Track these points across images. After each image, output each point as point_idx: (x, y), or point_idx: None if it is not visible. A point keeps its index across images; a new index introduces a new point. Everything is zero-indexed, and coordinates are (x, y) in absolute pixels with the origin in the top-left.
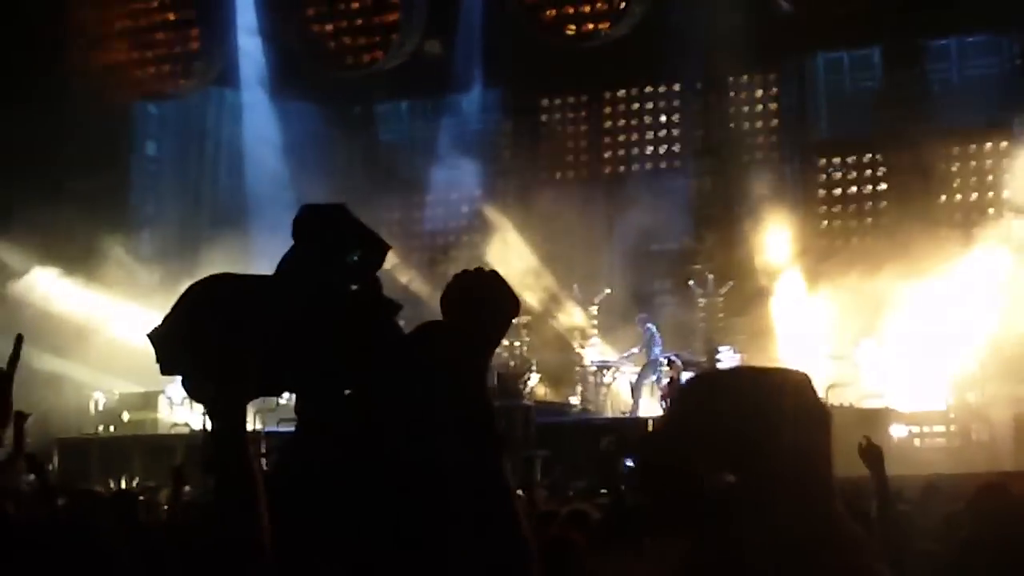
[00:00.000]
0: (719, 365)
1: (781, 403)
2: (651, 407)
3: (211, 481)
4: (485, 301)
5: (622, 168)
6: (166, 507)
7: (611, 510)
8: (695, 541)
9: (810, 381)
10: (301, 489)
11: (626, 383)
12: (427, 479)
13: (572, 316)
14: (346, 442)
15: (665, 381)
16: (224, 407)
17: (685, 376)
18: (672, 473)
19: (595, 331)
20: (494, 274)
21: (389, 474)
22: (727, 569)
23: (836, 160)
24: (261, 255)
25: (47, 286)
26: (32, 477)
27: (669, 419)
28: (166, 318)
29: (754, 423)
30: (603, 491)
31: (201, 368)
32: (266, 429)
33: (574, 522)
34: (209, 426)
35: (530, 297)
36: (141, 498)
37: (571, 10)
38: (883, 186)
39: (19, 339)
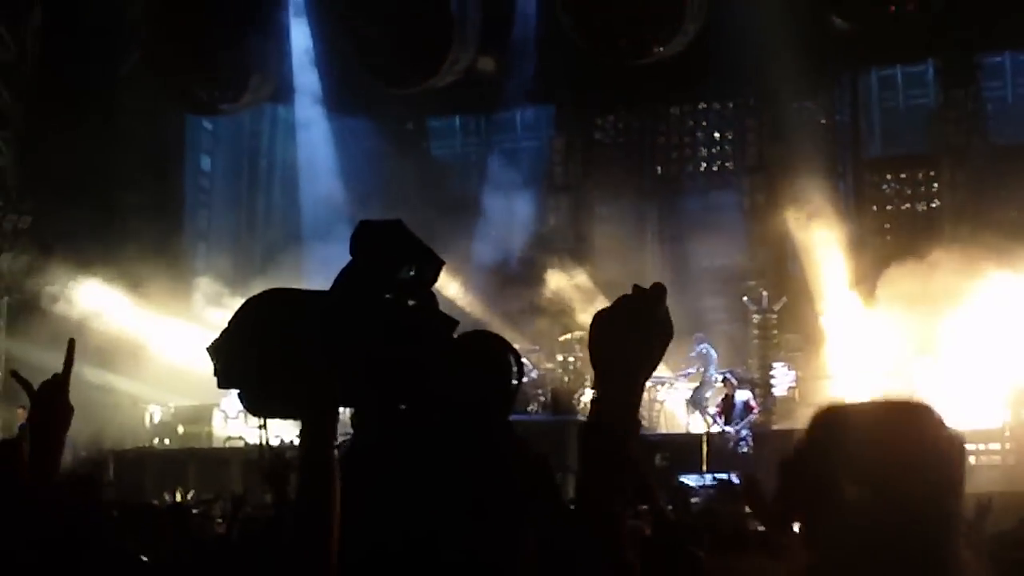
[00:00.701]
0: (772, 382)
1: (914, 435)
2: (705, 425)
3: (269, 496)
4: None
5: (675, 185)
6: (220, 521)
7: (655, 526)
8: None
9: (940, 418)
10: (359, 502)
11: (680, 400)
12: (491, 491)
13: None
14: (403, 455)
15: (719, 399)
16: (314, 421)
17: (739, 394)
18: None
19: None
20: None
21: (448, 486)
22: None
23: (889, 177)
24: (315, 270)
25: (100, 300)
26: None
27: (804, 445)
28: (223, 331)
29: (885, 452)
30: (643, 507)
31: (258, 382)
32: None
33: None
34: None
35: (583, 313)
36: (195, 511)
37: (625, 28)
38: (936, 203)
39: (71, 343)
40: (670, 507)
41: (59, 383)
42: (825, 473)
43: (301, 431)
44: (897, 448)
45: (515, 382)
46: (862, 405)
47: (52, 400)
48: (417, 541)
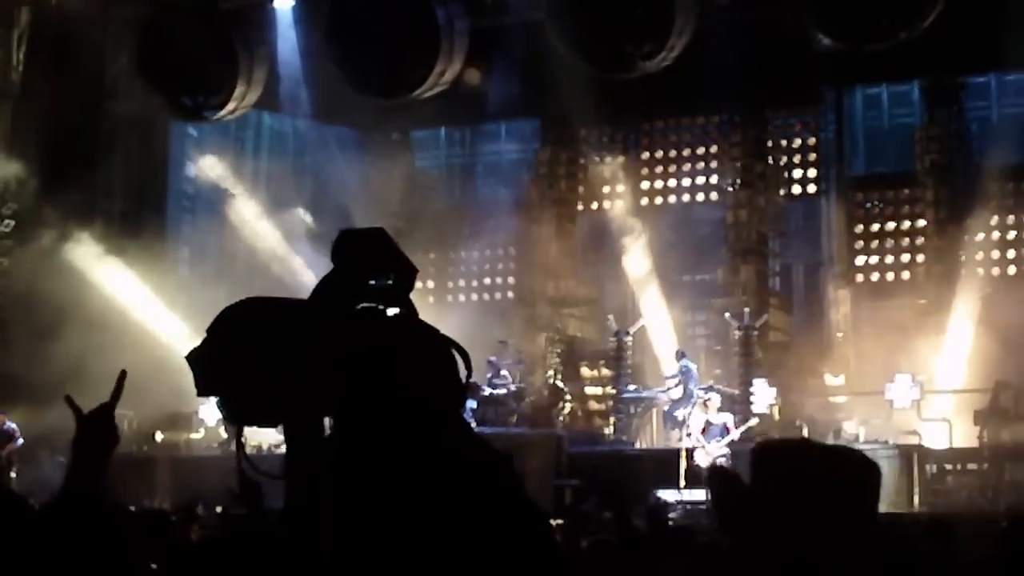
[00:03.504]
0: (752, 399)
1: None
2: (685, 441)
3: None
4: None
5: (659, 199)
6: (198, 527)
7: (624, 537)
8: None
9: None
10: (338, 513)
11: (660, 415)
12: (449, 489)
13: (607, 347)
14: (385, 466)
15: (702, 417)
16: (297, 429)
17: (719, 416)
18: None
19: (630, 362)
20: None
21: (430, 494)
22: None
23: (874, 195)
24: (298, 279)
25: (81, 302)
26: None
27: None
28: (203, 340)
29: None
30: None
31: (237, 390)
32: None
33: (597, 552)
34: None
35: (565, 326)
36: (173, 518)
37: (612, 42)
38: (921, 222)
39: (123, 374)
40: (647, 521)
41: (107, 411)
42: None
43: (286, 440)
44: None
45: (464, 375)
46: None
47: (100, 427)
48: (375, 540)
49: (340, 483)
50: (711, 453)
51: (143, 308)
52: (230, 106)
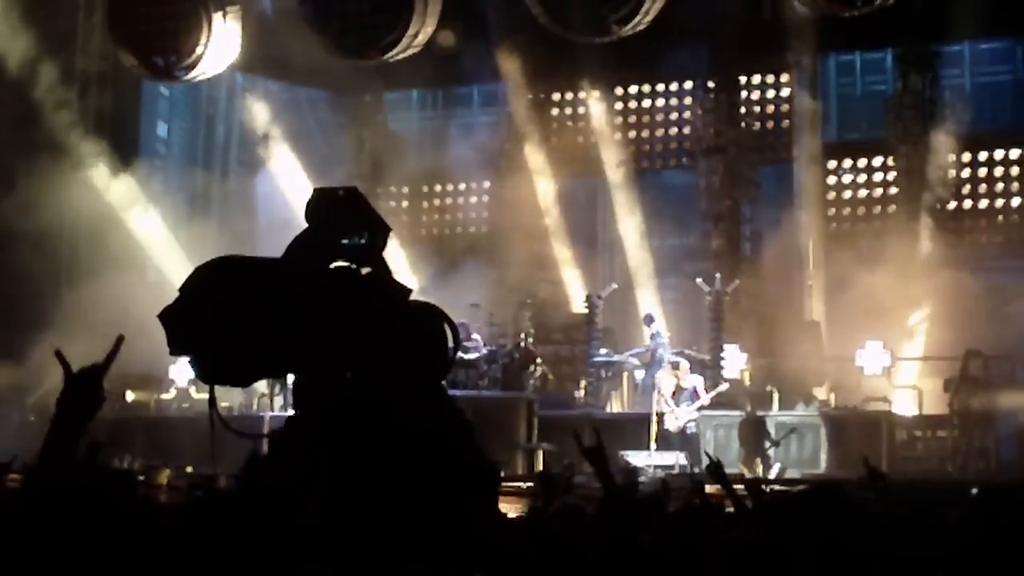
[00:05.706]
0: (723, 363)
1: None
2: (656, 405)
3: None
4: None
5: (632, 164)
6: (166, 486)
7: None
8: None
9: None
10: (300, 466)
11: (630, 380)
12: (431, 457)
13: (578, 310)
14: (345, 421)
15: (672, 381)
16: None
17: (690, 379)
18: None
19: (600, 326)
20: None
21: (391, 451)
22: None
23: (846, 162)
24: (269, 240)
25: (51, 261)
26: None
27: None
28: (176, 299)
29: None
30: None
31: (209, 349)
32: (270, 413)
33: (566, 516)
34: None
35: (537, 290)
36: (141, 478)
37: (586, 6)
38: (893, 190)
39: (120, 339)
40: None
41: (97, 372)
42: None
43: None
44: None
45: (452, 348)
46: None
47: (87, 387)
48: (360, 500)
49: (309, 444)
50: (681, 417)
51: (112, 266)
52: (201, 66)
